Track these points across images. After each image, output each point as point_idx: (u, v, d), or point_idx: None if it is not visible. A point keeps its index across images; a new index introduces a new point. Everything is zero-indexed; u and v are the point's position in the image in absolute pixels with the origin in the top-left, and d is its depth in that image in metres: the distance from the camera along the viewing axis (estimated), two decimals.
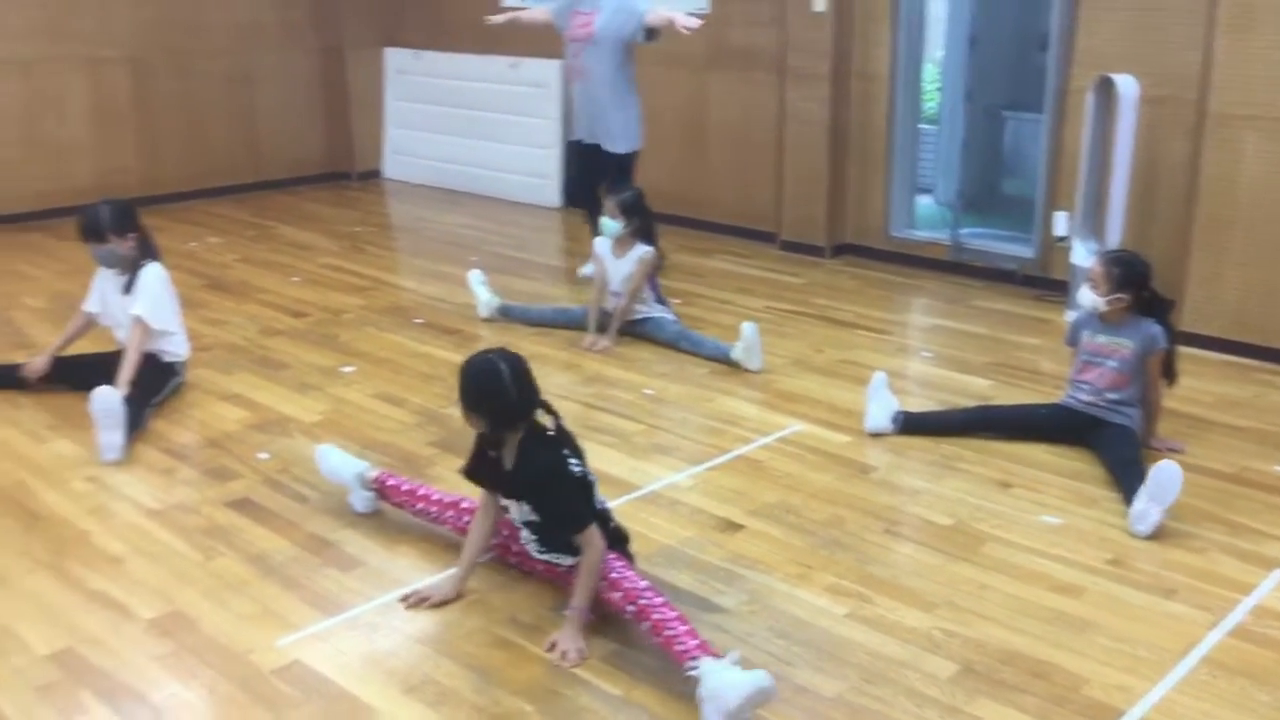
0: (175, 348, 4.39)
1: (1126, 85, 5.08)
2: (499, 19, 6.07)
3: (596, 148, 5.78)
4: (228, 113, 8.23)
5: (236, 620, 2.93)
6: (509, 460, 2.95)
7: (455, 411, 4.23)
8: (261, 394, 4.47)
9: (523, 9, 6.41)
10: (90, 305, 4.44)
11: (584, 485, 2.94)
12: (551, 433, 2.94)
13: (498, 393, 2.88)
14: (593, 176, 5.75)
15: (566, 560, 2.99)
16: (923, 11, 6.31)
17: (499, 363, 2.91)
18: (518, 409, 2.90)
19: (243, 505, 3.56)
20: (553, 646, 2.79)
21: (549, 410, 2.95)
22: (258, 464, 3.85)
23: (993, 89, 6.91)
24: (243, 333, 5.22)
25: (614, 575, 2.83)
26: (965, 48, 6.45)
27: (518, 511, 3.00)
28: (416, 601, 3.01)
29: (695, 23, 5.36)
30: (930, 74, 7.25)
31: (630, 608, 2.74)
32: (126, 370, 4.11)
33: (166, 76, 7.88)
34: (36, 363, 4.40)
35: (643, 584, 2.78)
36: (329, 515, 3.48)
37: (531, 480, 2.92)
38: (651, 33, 5.56)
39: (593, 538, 2.85)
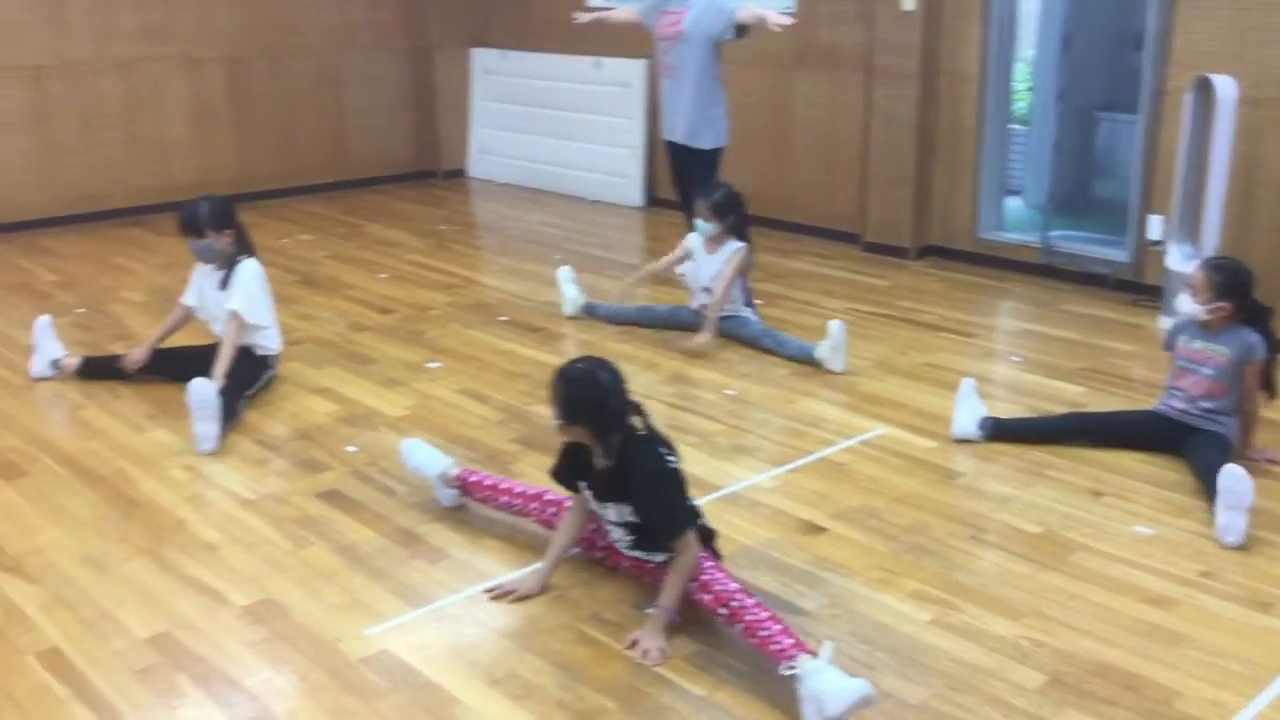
0: (268, 342, 4.50)
1: (1225, 86, 4.95)
2: (586, 18, 6.11)
3: (686, 149, 5.81)
4: (319, 112, 8.41)
5: (326, 609, 3.00)
6: (602, 463, 2.96)
7: (539, 408, 4.29)
8: (350, 388, 4.56)
9: (610, 8, 6.43)
10: (189, 299, 4.57)
11: (681, 483, 2.95)
12: (644, 433, 2.95)
13: (599, 402, 2.89)
14: (685, 174, 5.79)
15: (657, 556, 3.00)
16: (1014, 10, 6.21)
17: (596, 372, 2.92)
18: (617, 416, 2.91)
19: (332, 496, 3.63)
20: (634, 644, 2.80)
21: (639, 412, 2.96)
22: (346, 456, 3.93)
23: (1086, 89, 6.78)
24: (332, 328, 5.33)
25: (705, 577, 2.82)
26: (1058, 46, 6.33)
27: (615, 513, 3.00)
28: (500, 595, 3.05)
29: (787, 20, 5.34)
30: (1020, 73, 7.13)
31: (723, 610, 2.74)
32: (222, 363, 4.22)
33: (261, 76, 8.08)
34: (136, 354, 4.54)
35: (734, 586, 2.78)
36: (416, 508, 3.54)
37: (634, 483, 2.91)
38: (742, 30, 5.55)
39: (690, 541, 2.85)
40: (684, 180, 5.77)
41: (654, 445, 2.94)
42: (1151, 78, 5.56)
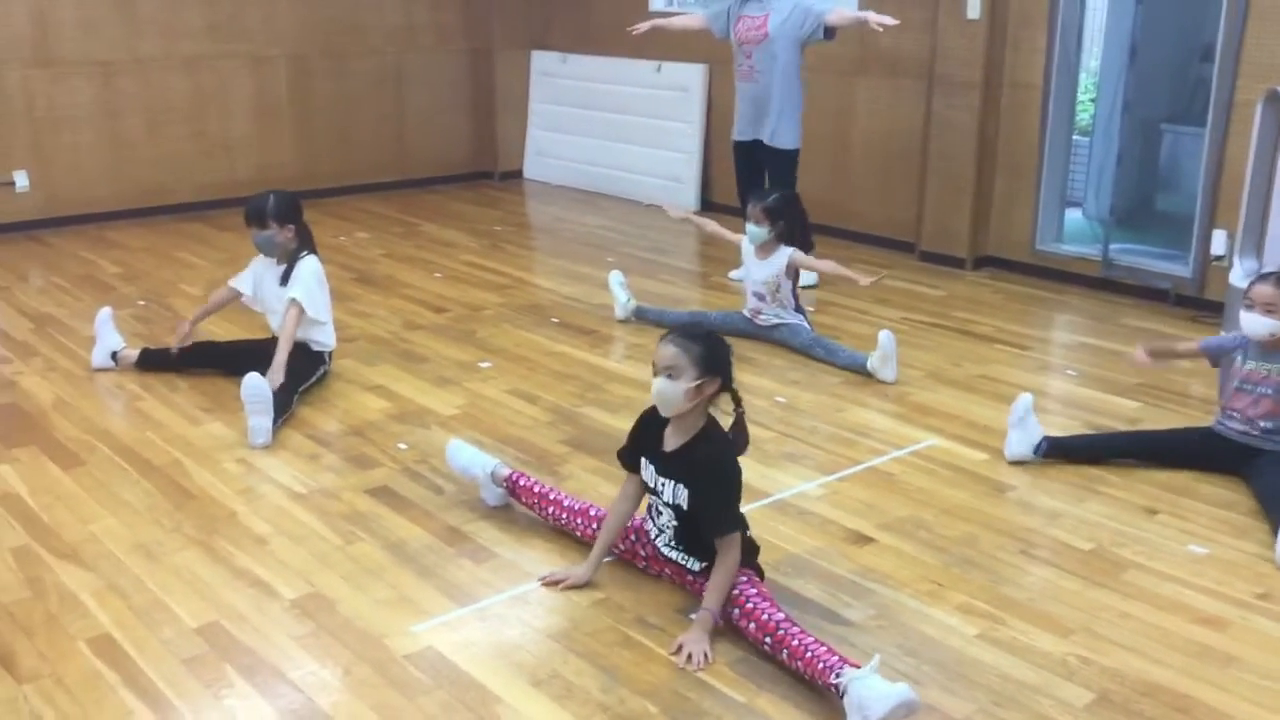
0: (324, 338, 4.55)
1: None
2: (643, 26, 6.14)
3: (758, 144, 5.89)
4: (379, 112, 8.50)
5: (373, 604, 3.02)
6: (673, 442, 2.98)
7: (589, 410, 4.30)
8: (402, 386, 4.60)
9: (675, 12, 6.43)
10: (240, 284, 4.61)
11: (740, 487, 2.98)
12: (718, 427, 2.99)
13: (729, 358, 2.99)
14: (755, 173, 5.89)
15: (695, 564, 3.00)
16: (1081, 20, 6.13)
17: (715, 331, 3.08)
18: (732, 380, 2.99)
19: (382, 493, 3.67)
20: (679, 649, 2.80)
21: (738, 401, 3.01)
22: (397, 454, 3.96)
23: (1151, 100, 6.68)
24: (386, 326, 5.38)
25: (749, 605, 2.81)
26: (1124, 58, 6.24)
27: (670, 493, 2.98)
28: (552, 583, 3.09)
29: (890, 20, 5.34)
30: (1084, 84, 7.03)
31: (767, 639, 2.73)
32: (281, 353, 4.27)
33: (323, 75, 8.18)
34: (180, 330, 4.64)
35: (780, 615, 2.76)
36: (463, 507, 3.56)
37: (702, 467, 2.92)
38: (831, 31, 5.60)
39: (734, 543, 2.86)
40: (753, 182, 5.80)
41: (729, 439, 2.98)
42: (1220, 90, 5.46)
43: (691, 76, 7.84)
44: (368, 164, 8.51)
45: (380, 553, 3.29)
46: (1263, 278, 3.77)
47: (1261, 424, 3.72)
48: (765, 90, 5.79)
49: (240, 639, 2.87)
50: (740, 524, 2.91)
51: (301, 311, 4.38)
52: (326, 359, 4.58)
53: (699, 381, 2.90)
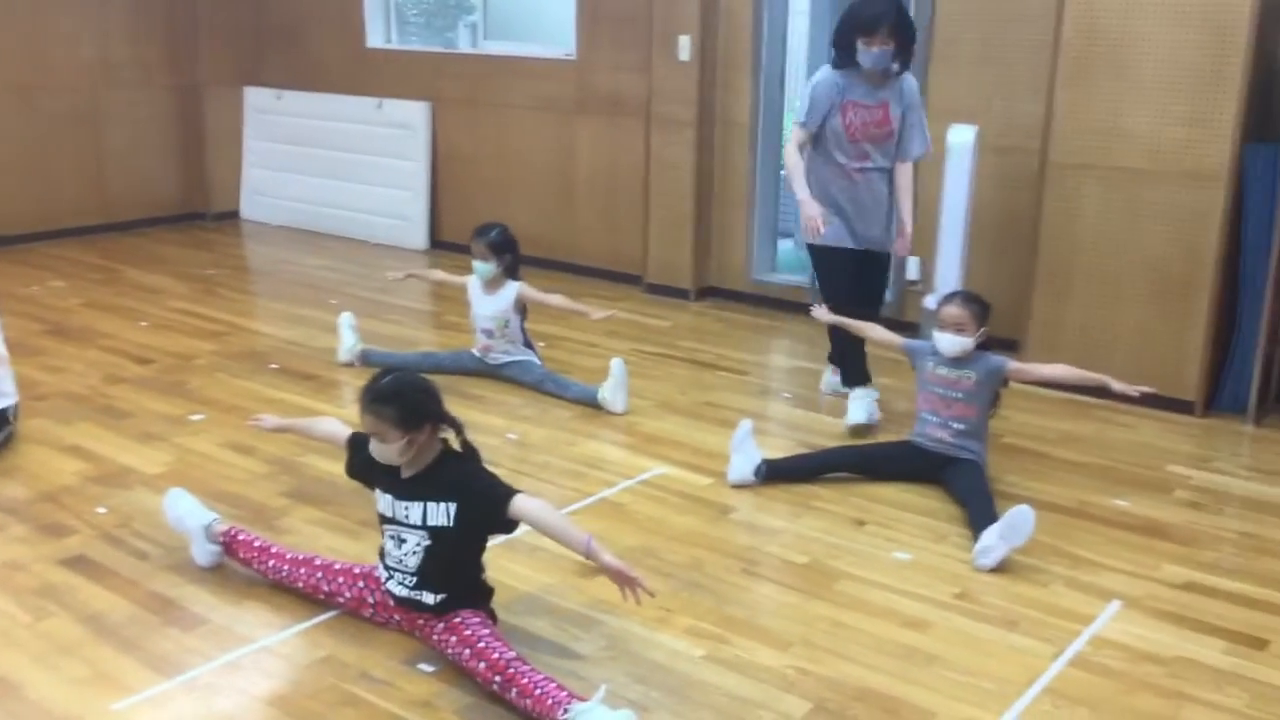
0: (2, 393, 4.16)
1: (958, 134, 5.29)
2: (812, 229, 4.53)
3: (869, 254, 4.76)
4: (75, 152, 7.92)
5: (66, 685, 2.78)
6: (411, 470, 2.94)
7: (310, 459, 4.14)
8: (102, 445, 4.28)
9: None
10: None
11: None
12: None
13: (433, 397, 2.93)
14: (865, 286, 4.86)
15: (431, 597, 2.92)
16: (783, 63, 6.46)
17: (407, 378, 2.97)
18: (442, 408, 2.95)
19: (78, 563, 3.38)
20: (627, 591, 2.79)
21: (458, 427, 2.97)
22: (95, 518, 3.67)
23: None
24: (84, 381, 5.00)
25: (481, 645, 2.77)
26: None
27: (419, 516, 2.90)
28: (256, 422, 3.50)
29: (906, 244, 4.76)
30: (787, 121, 7.40)
31: (497, 678, 2.69)
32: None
33: (7, 114, 7.56)
34: None
35: (511, 654, 2.74)
36: (171, 571, 3.34)
37: (463, 476, 2.92)
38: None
39: (525, 500, 2.86)
40: (864, 292, 4.84)
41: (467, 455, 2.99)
42: None
43: (414, 114, 7.74)
44: (63, 208, 7.91)
45: (75, 627, 3.03)
46: (948, 299, 4.05)
47: (954, 425, 3.98)
48: (882, 193, 4.69)
49: None
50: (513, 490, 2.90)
51: None
52: (10, 418, 4.20)
53: (406, 439, 2.87)
